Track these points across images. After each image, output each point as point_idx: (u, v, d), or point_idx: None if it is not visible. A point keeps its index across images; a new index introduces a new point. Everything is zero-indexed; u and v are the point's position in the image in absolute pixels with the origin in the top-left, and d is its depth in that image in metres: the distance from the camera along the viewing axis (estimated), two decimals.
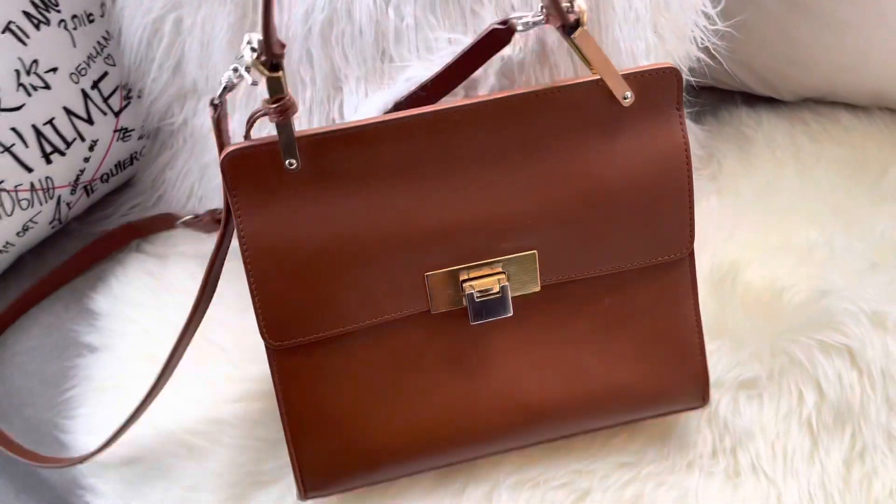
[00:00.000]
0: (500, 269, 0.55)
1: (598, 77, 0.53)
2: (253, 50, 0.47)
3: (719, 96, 0.89)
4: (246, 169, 0.51)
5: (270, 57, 0.47)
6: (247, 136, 0.51)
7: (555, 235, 0.55)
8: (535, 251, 0.55)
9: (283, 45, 0.47)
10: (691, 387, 0.61)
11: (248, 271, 0.52)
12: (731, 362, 0.66)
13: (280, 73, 0.47)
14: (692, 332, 0.60)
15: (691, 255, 0.59)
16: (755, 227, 0.75)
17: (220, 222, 0.72)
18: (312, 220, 0.52)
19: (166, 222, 0.79)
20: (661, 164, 0.55)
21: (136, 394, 0.67)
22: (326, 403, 0.55)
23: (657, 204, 0.56)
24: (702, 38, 0.69)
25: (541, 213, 0.54)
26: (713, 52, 0.70)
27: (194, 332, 0.60)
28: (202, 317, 0.60)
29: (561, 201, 0.54)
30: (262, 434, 0.64)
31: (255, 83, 0.49)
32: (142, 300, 0.74)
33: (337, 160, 0.51)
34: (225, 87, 0.50)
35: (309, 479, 0.57)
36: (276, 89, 0.48)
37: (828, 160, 0.80)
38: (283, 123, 0.49)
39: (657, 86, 0.54)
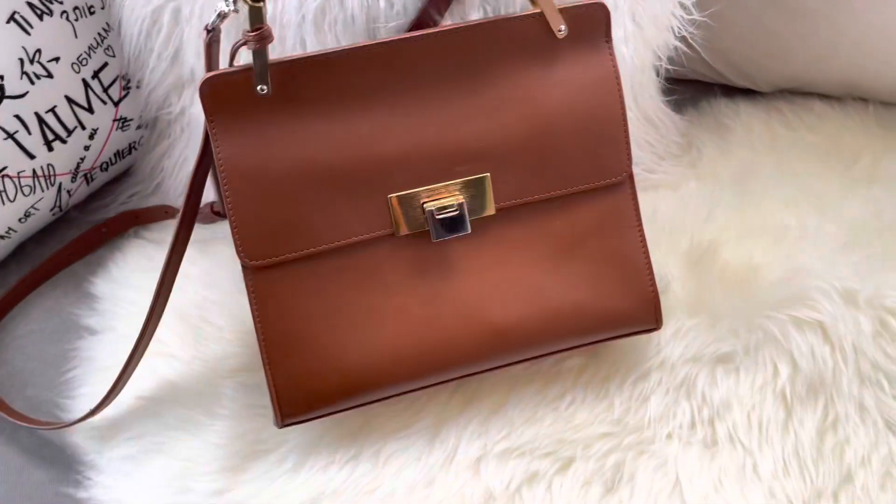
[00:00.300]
0: (456, 191, 0.60)
1: (539, 11, 0.59)
2: None
3: (700, 88, 0.92)
4: (222, 95, 0.56)
5: None
6: (230, 66, 0.56)
7: (505, 160, 0.60)
8: (487, 174, 0.60)
9: None
10: (643, 307, 0.65)
11: (224, 192, 0.57)
12: (708, 338, 0.69)
13: (261, 4, 0.52)
14: (639, 254, 0.64)
15: (631, 179, 0.64)
16: (732, 210, 0.78)
17: (218, 214, 0.75)
18: (283, 143, 0.57)
19: (165, 213, 0.82)
20: (594, 92, 0.61)
21: (138, 372, 0.70)
22: (300, 323, 0.59)
23: (594, 129, 0.61)
24: (679, 28, 0.72)
25: (491, 137, 0.60)
26: (690, 41, 0.73)
27: (173, 279, 0.65)
28: (180, 259, 0.64)
29: (507, 126, 0.59)
30: (259, 402, 0.66)
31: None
32: (140, 283, 0.76)
33: (305, 86, 0.57)
34: (219, 15, 0.55)
35: (285, 403, 0.60)
36: (257, 18, 0.53)
37: (802, 147, 0.84)
38: (260, 50, 0.54)
39: (588, 20, 0.60)
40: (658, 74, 0.80)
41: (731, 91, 0.91)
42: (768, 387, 0.67)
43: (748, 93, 0.91)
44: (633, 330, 0.66)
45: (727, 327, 0.69)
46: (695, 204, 0.78)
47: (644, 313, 0.65)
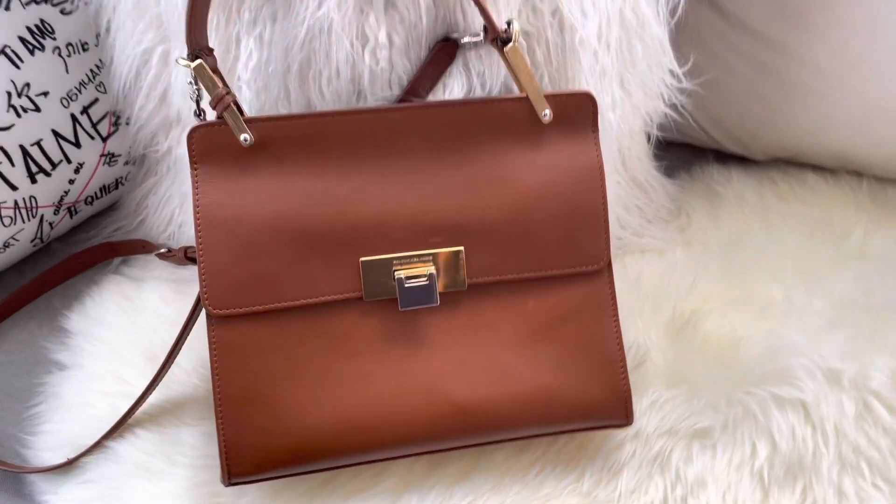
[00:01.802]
0: (429, 261, 0.59)
1: (525, 94, 0.59)
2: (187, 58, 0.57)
3: (693, 153, 0.92)
4: (208, 143, 0.58)
5: (191, 49, 0.56)
6: (218, 118, 0.58)
7: (481, 236, 0.60)
8: (461, 248, 0.60)
9: (210, 50, 0.58)
10: (614, 400, 0.63)
11: (197, 238, 0.58)
12: (686, 411, 0.67)
13: (198, 63, 0.56)
14: (613, 345, 0.63)
15: (609, 268, 0.63)
16: (718, 280, 0.77)
17: (192, 260, 0.75)
18: (261, 196, 0.57)
19: (143, 247, 0.81)
20: (576, 179, 0.61)
21: (102, 413, 0.69)
22: (259, 380, 0.58)
23: (574, 216, 0.61)
24: (669, 96, 0.71)
25: (468, 213, 0.60)
26: (680, 109, 0.73)
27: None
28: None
29: (486, 203, 0.60)
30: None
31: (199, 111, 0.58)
32: (114, 321, 0.75)
33: (288, 143, 0.57)
34: (195, 100, 0.58)
35: (234, 461, 0.59)
36: (203, 78, 0.56)
37: (793, 219, 0.83)
38: (220, 113, 0.57)
39: (574, 108, 0.60)
40: (649, 140, 0.80)
41: (725, 157, 0.91)
42: (746, 466, 0.66)
43: (742, 160, 0.90)
44: (602, 423, 0.64)
45: (706, 401, 0.68)
46: (680, 271, 0.77)
47: (614, 407, 0.64)
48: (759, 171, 0.88)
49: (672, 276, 0.77)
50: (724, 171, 0.88)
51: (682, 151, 0.91)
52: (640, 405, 0.68)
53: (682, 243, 0.81)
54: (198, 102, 0.60)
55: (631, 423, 0.65)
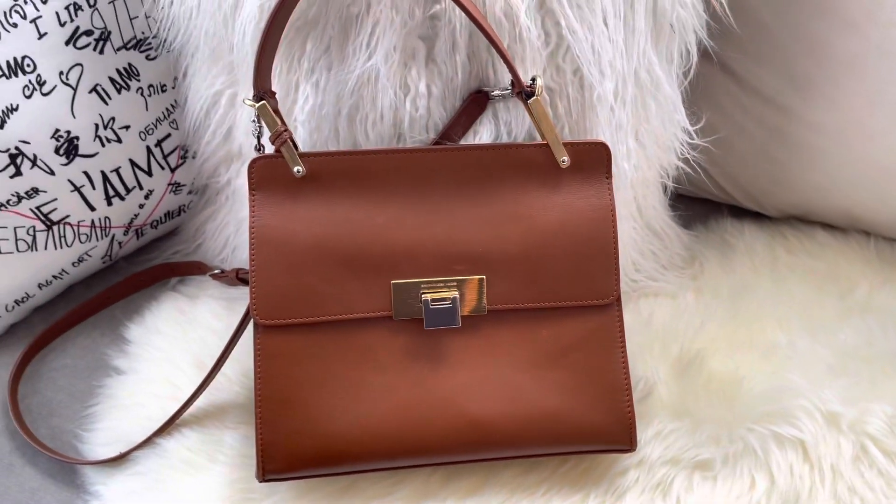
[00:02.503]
0: (453, 287, 0.65)
1: (546, 142, 0.66)
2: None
3: (709, 207, 0.97)
4: (265, 174, 0.65)
5: (256, 91, 0.65)
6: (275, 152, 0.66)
7: (501, 267, 0.66)
8: (483, 276, 0.66)
9: (273, 93, 0.67)
10: (618, 426, 0.68)
11: (251, 256, 0.65)
12: (688, 442, 0.71)
13: (262, 104, 0.64)
14: (620, 374, 0.68)
15: (618, 303, 0.68)
16: (725, 324, 0.81)
17: (242, 281, 0.83)
18: (309, 222, 0.65)
19: (199, 268, 0.90)
20: (590, 220, 0.67)
21: (152, 413, 0.76)
22: (295, 386, 0.64)
23: (586, 253, 0.67)
24: (682, 150, 0.78)
25: (490, 245, 0.66)
26: (693, 164, 0.79)
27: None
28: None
29: (506, 237, 0.66)
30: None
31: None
32: (169, 332, 0.83)
33: (336, 176, 0.65)
34: (256, 136, 0.67)
35: (268, 458, 0.65)
36: (265, 116, 0.65)
37: (801, 271, 0.87)
38: (278, 147, 0.65)
39: (590, 156, 0.67)
40: (666, 191, 0.86)
41: (741, 213, 0.96)
42: (744, 498, 0.69)
43: (757, 216, 0.95)
44: (607, 447, 0.69)
45: (708, 434, 0.72)
46: (690, 314, 0.82)
47: (618, 433, 0.68)
48: (771, 226, 0.93)
49: (682, 317, 0.82)
50: (737, 225, 0.93)
51: (699, 205, 0.97)
52: (644, 434, 0.72)
53: (694, 289, 0.86)
54: (258, 138, 0.68)
55: (634, 450, 0.69)
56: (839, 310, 0.83)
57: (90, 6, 0.77)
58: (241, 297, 0.85)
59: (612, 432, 0.68)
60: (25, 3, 0.74)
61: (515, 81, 0.66)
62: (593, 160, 0.67)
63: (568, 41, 0.67)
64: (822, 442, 0.71)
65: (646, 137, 0.74)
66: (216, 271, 0.86)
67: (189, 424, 0.75)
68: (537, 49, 0.67)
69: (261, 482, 0.66)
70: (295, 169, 0.65)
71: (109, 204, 0.83)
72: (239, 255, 0.87)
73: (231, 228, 0.87)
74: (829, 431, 0.71)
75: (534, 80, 0.65)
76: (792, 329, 0.80)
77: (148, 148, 0.84)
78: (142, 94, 0.82)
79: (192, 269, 0.89)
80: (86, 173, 0.80)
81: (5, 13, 0.74)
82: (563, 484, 0.70)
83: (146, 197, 0.86)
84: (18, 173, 0.76)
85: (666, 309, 0.83)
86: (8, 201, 0.77)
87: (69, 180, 0.79)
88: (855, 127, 0.82)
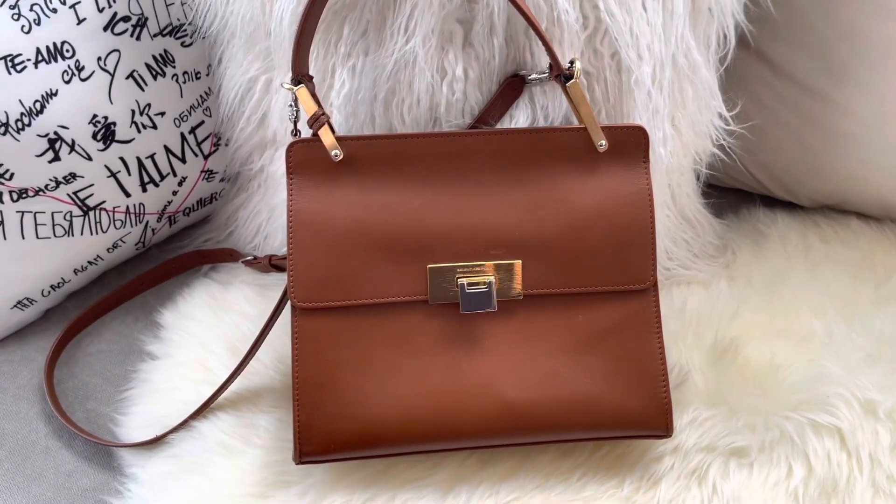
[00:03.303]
0: (488, 271, 0.65)
1: (583, 126, 0.65)
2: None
3: (742, 197, 0.97)
4: (303, 157, 0.65)
5: (295, 75, 0.65)
6: (313, 136, 0.66)
7: (537, 252, 0.66)
8: (518, 261, 0.65)
9: (310, 77, 0.67)
10: (654, 412, 0.67)
11: (288, 239, 0.65)
12: (724, 429, 0.71)
13: (301, 87, 0.64)
14: (656, 359, 0.67)
15: (655, 288, 0.68)
16: (760, 311, 0.80)
17: (275, 267, 0.83)
18: (346, 206, 0.65)
19: (230, 255, 0.90)
20: (627, 204, 0.66)
21: (187, 397, 0.76)
22: (332, 369, 0.65)
23: (623, 237, 0.66)
24: (717, 136, 0.77)
25: (526, 229, 0.65)
26: (728, 150, 0.79)
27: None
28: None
29: (543, 222, 0.65)
30: (290, 437, 0.70)
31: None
32: (202, 317, 0.83)
33: (373, 160, 0.65)
34: (293, 120, 0.67)
35: (305, 441, 0.65)
36: (304, 100, 0.65)
37: (835, 259, 0.86)
38: (316, 131, 0.65)
39: (628, 139, 0.66)
40: (699, 178, 0.85)
41: (773, 202, 0.95)
42: (781, 485, 0.69)
43: (789, 205, 0.95)
44: (643, 433, 0.68)
45: (744, 422, 0.71)
46: (724, 302, 0.82)
47: (654, 418, 0.68)
48: (804, 215, 0.92)
49: (715, 305, 0.81)
50: (769, 214, 0.93)
51: (731, 195, 0.96)
52: (680, 421, 0.71)
53: (727, 277, 0.85)
54: (295, 122, 0.68)
55: (670, 436, 0.69)
56: (875, 298, 0.82)
57: None
58: (273, 284, 0.85)
59: (648, 418, 0.68)
60: None
61: (554, 64, 0.66)
62: (631, 144, 0.67)
63: (606, 24, 0.66)
64: (860, 430, 0.70)
65: (682, 123, 0.74)
66: (249, 258, 0.87)
67: (224, 408, 0.75)
68: (575, 32, 0.67)
69: (297, 464, 0.67)
70: (333, 153, 0.65)
71: (144, 190, 0.84)
72: (271, 242, 0.87)
73: (263, 216, 0.87)
74: (867, 419, 0.71)
75: (572, 63, 0.65)
76: (827, 317, 0.80)
77: (182, 135, 0.84)
78: (177, 81, 0.82)
79: (223, 256, 0.90)
80: (122, 159, 0.81)
81: None
82: (598, 469, 0.70)
83: (179, 184, 0.87)
84: (57, 158, 0.77)
85: (699, 297, 0.83)
86: (46, 186, 0.77)
87: (106, 166, 0.80)
88: (891, 114, 0.81)
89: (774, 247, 0.88)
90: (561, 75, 0.66)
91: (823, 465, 0.69)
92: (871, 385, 0.72)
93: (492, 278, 0.66)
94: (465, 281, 0.66)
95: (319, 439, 0.66)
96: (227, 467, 0.71)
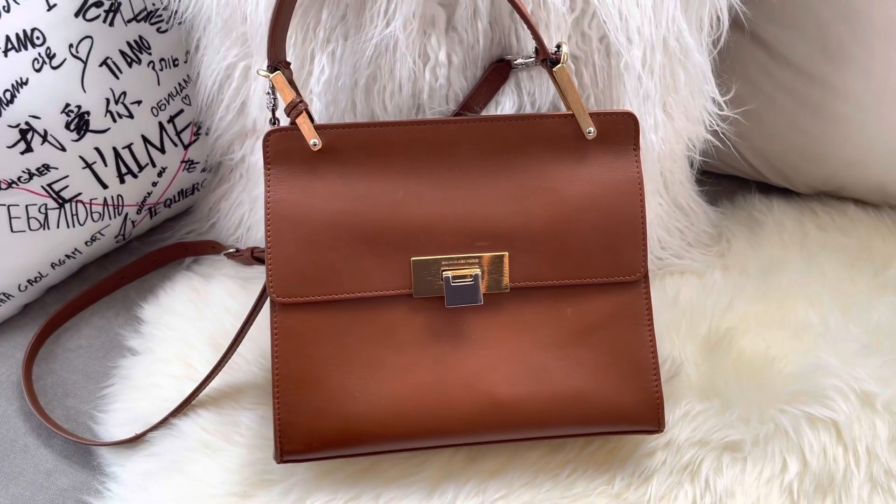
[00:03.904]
0: (474, 264, 0.63)
1: (571, 112, 0.63)
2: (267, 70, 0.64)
3: (736, 184, 0.95)
4: (280, 147, 0.63)
5: (271, 61, 0.62)
6: (291, 124, 0.64)
7: (524, 243, 0.64)
8: (505, 253, 0.63)
9: (288, 64, 0.64)
10: (645, 406, 0.65)
11: (266, 232, 0.63)
12: (717, 423, 0.70)
13: (277, 74, 0.62)
14: (647, 353, 0.65)
15: (646, 279, 0.65)
16: (755, 301, 0.79)
17: (258, 260, 0.81)
18: (326, 197, 0.62)
19: (213, 248, 0.88)
20: (617, 193, 0.64)
21: (168, 394, 0.75)
22: (313, 365, 0.63)
23: (613, 227, 0.64)
24: (710, 122, 0.75)
25: (513, 220, 0.63)
26: (722, 136, 0.77)
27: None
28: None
29: (530, 212, 0.63)
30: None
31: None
32: (183, 311, 0.81)
33: (353, 149, 0.63)
34: (271, 109, 0.64)
35: (287, 439, 0.63)
36: (280, 88, 0.62)
37: (832, 248, 0.84)
38: (294, 119, 0.62)
39: (617, 126, 0.64)
40: (692, 165, 0.83)
41: (768, 189, 0.93)
42: (775, 480, 0.67)
43: (785, 192, 0.93)
44: (634, 428, 0.67)
45: (738, 415, 0.70)
46: (718, 292, 0.80)
47: (646, 413, 0.66)
48: (800, 201, 0.90)
49: (709, 295, 0.79)
50: (765, 201, 0.91)
51: (726, 182, 0.94)
52: (672, 415, 0.70)
53: (721, 267, 0.83)
54: (273, 111, 0.66)
55: (662, 431, 0.67)
56: (872, 287, 0.81)
57: None
58: (256, 277, 0.83)
59: (640, 412, 0.66)
60: None
61: (540, 49, 0.63)
62: (620, 131, 0.65)
63: (594, 6, 0.64)
64: (857, 422, 0.69)
65: (674, 108, 0.72)
66: (231, 250, 0.85)
67: (205, 405, 0.73)
68: (562, 15, 0.64)
69: (279, 463, 0.65)
70: (311, 142, 0.63)
71: (122, 181, 0.81)
72: (254, 234, 0.85)
73: (245, 207, 0.85)
74: (864, 412, 0.69)
75: (559, 47, 0.63)
76: (824, 307, 0.78)
77: (160, 124, 0.82)
78: (153, 68, 0.80)
79: (206, 249, 0.88)
80: (97, 150, 0.78)
81: None
82: (588, 465, 0.68)
83: (159, 174, 0.84)
84: (29, 149, 0.74)
85: (693, 287, 0.81)
86: (19, 178, 0.75)
87: (80, 157, 0.78)
88: (891, 98, 0.79)
89: (770, 235, 0.86)
90: (547, 60, 0.63)
91: (819, 459, 0.67)
92: (869, 376, 0.71)
93: (478, 271, 0.64)
94: (450, 274, 0.64)
95: (301, 438, 0.64)
96: (208, 466, 0.69)
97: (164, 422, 0.72)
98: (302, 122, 0.63)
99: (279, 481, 0.67)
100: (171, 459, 0.70)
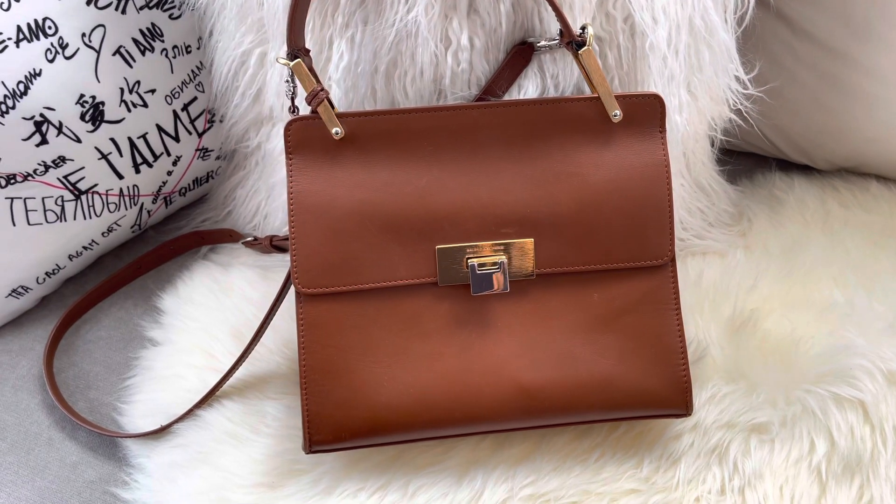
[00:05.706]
0: (500, 251, 0.63)
1: (596, 95, 0.62)
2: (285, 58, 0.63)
3: (756, 161, 0.94)
4: (302, 136, 0.62)
5: (290, 49, 0.61)
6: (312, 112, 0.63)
7: (550, 229, 0.63)
8: (531, 239, 0.63)
9: (307, 50, 0.63)
10: (673, 390, 0.66)
11: (290, 223, 0.62)
12: (744, 405, 0.69)
13: (297, 62, 0.61)
14: (674, 337, 0.65)
15: (673, 263, 0.65)
16: (778, 282, 0.78)
17: (277, 248, 0.80)
18: (349, 186, 0.62)
19: (230, 236, 0.87)
20: (644, 177, 0.63)
21: (191, 384, 0.74)
22: (340, 355, 0.63)
23: (640, 212, 0.64)
24: (734, 101, 0.74)
25: (538, 206, 0.63)
26: (745, 115, 0.76)
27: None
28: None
29: (556, 197, 0.63)
30: (301, 425, 0.69)
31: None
32: (203, 301, 0.81)
33: (375, 137, 0.62)
34: (290, 97, 0.63)
35: (315, 429, 0.63)
36: (300, 75, 0.61)
37: (855, 225, 0.84)
38: (315, 108, 0.61)
39: (643, 109, 0.63)
40: (713, 144, 0.82)
41: (788, 166, 0.92)
42: (804, 461, 0.67)
43: (805, 169, 0.92)
44: (661, 412, 0.67)
45: (765, 397, 0.69)
46: (741, 272, 0.79)
47: (673, 397, 0.66)
48: (821, 178, 0.89)
49: (732, 276, 0.79)
50: (786, 179, 0.90)
51: (745, 159, 0.93)
52: (699, 398, 0.70)
53: (743, 247, 0.83)
54: (293, 99, 0.65)
55: (690, 414, 0.67)
56: None
57: None
58: (275, 265, 0.83)
59: (667, 397, 0.66)
60: None
61: (565, 31, 0.62)
62: (646, 113, 0.64)
63: None
64: (883, 402, 0.68)
65: (698, 88, 0.71)
66: (249, 239, 0.84)
67: (230, 396, 0.73)
68: None
69: (308, 454, 0.65)
70: (333, 130, 0.62)
71: (137, 171, 0.80)
72: (271, 221, 0.84)
73: (262, 195, 0.84)
74: (890, 391, 0.69)
75: (584, 28, 0.62)
76: (848, 286, 0.78)
77: (175, 112, 0.81)
78: (166, 56, 0.79)
79: (223, 237, 0.87)
80: (113, 140, 0.77)
81: None
82: (616, 449, 0.68)
83: (174, 163, 0.83)
84: (44, 141, 0.73)
85: (715, 267, 0.80)
86: (35, 171, 0.74)
87: (96, 147, 0.77)
88: None
89: (791, 213, 0.85)
90: (572, 42, 0.62)
91: (847, 439, 0.67)
92: (895, 355, 0.70)
93: (503, 258, 0.63)
94: (475, 262, 0.63)
95: (329, 428, 0.64)
96: (235, 457, 0.69)
97: (189, 413, 0.72)
98: (323, 110, 0.62)
99: (308, 471, 0.67)
100: (197, 450, 0.70)
